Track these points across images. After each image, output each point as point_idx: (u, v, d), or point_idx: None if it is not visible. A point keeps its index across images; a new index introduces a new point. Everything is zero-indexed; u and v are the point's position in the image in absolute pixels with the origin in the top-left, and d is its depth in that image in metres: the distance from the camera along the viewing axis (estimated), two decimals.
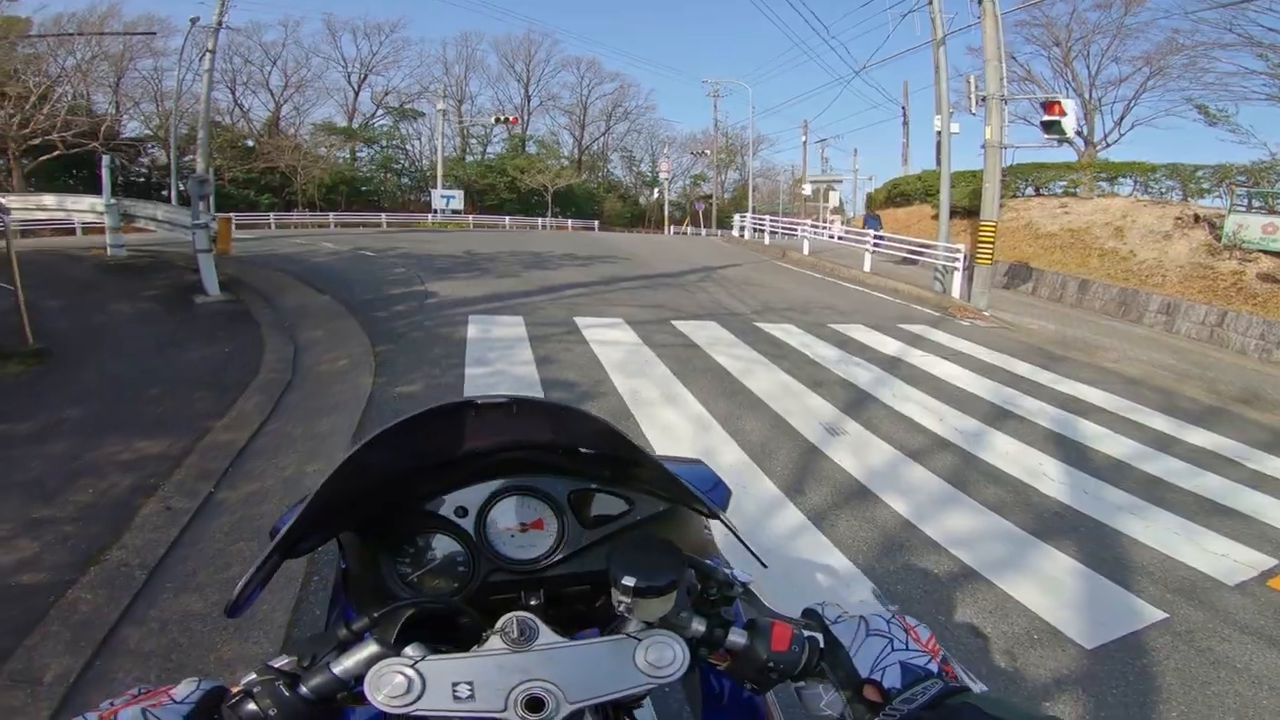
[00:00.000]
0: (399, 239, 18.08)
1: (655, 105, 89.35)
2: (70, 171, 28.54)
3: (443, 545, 0.82)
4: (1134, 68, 23.50)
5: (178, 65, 23.91)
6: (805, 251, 17.22)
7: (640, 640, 0.63)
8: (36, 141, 24.99)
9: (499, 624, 0.63)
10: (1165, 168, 16.67)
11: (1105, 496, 4.05)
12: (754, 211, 28.24)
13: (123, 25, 29.28)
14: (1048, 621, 2.72)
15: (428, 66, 54.51)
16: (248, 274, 9.54)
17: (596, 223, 42.63)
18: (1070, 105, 11.23)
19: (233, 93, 39.07)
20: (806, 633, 0.70)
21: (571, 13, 74.67)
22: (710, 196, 47.18)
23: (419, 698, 0.58)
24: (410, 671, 0.58)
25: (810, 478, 3.92)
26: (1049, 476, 4.26)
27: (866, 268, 14.52)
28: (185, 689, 0.60)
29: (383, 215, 33.34)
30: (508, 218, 37.52)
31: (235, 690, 0.61)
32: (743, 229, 23.37)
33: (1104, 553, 3.36)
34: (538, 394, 4.20)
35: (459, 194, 36.52)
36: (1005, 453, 4.60)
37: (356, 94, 45.49)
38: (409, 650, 0.61)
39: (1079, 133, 22.02)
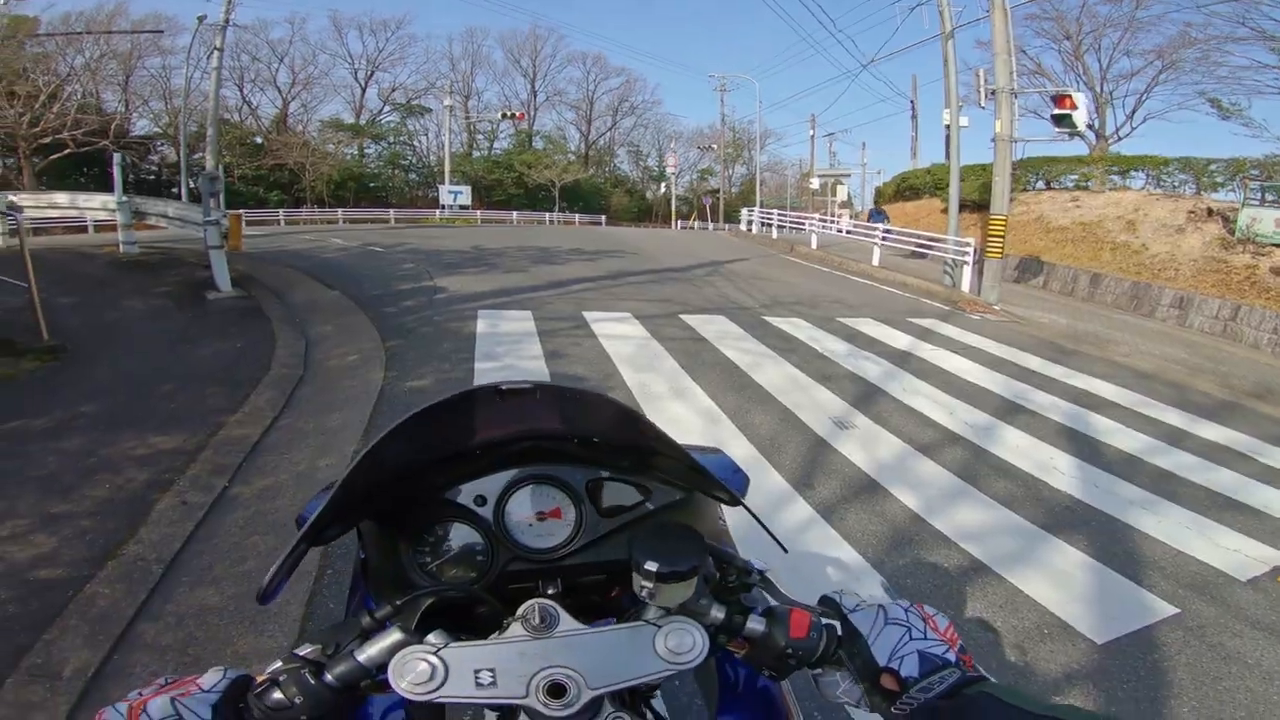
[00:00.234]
0: (407, 235, 18.13)
1: (662, 100, 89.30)
2: (81, 170, 28.74)
3: (461, 534, 0.83)
4: (1146, 61, 23.33)
5: (186, 63, 23.95)
6: (813, 246, 17.16)
7: (660, 627, 0.64)
8: (47, 140, 25.19)
9: (520, 611, 0.64)
10: (1178, 161, 16.50)
11: (1117, 491, 4.03)
12: (761, 206, 28.13)
13: (130, 24, 29.46)
14: (1058, 616, 2.71)
15: (434, 62, 54.98)
16: (258, 270, 9.60)
17: (603, 217, 42.54)
18: (1082, 99, 11.16)
19: (241, 90, 39.19)
20: (824, 620, 0.70)
21: (577, 8, 74.56)
22: (717, 191, 47.06)
23: (442, 685, 0.59)
24: (433, 659, 0.59)
25: (820, 471, 3.92)
26: (1060, 471, 4.24)
27: (875, 262, 14.45)
28: (212, 678, 0.60)
29: (391, 211, 33.38)
30: (515, 213, 37.50)
31: (261, 679, 0.62)
32: (750, 223, 23.31)
33: (1115, 547, 3.34)
34: None
35: (466, 190, 36.58)
36: (1016, 447, 4.59)
37: (363, 90, 45.58)
38: (431, 638, 0.62)
39: (1090, 126, 21.87)
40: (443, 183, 36.97)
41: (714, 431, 4.39)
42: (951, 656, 0.65)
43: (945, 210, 14.41)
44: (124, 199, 10.50)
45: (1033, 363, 7.15)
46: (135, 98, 33.83)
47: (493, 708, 0.70)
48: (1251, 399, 6.97)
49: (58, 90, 26.00)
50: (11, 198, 11.75)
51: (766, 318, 8.05)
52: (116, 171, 10.77)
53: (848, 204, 29.06)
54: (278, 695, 0.60)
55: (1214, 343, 10.45)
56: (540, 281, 9.68)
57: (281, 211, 30.20)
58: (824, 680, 0.71)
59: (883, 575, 2.90)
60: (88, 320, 6.45)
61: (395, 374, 5.07)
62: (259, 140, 37.83)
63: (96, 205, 11.79)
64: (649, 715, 0.74)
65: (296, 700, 0.60)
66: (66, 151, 25.69)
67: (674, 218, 43.18)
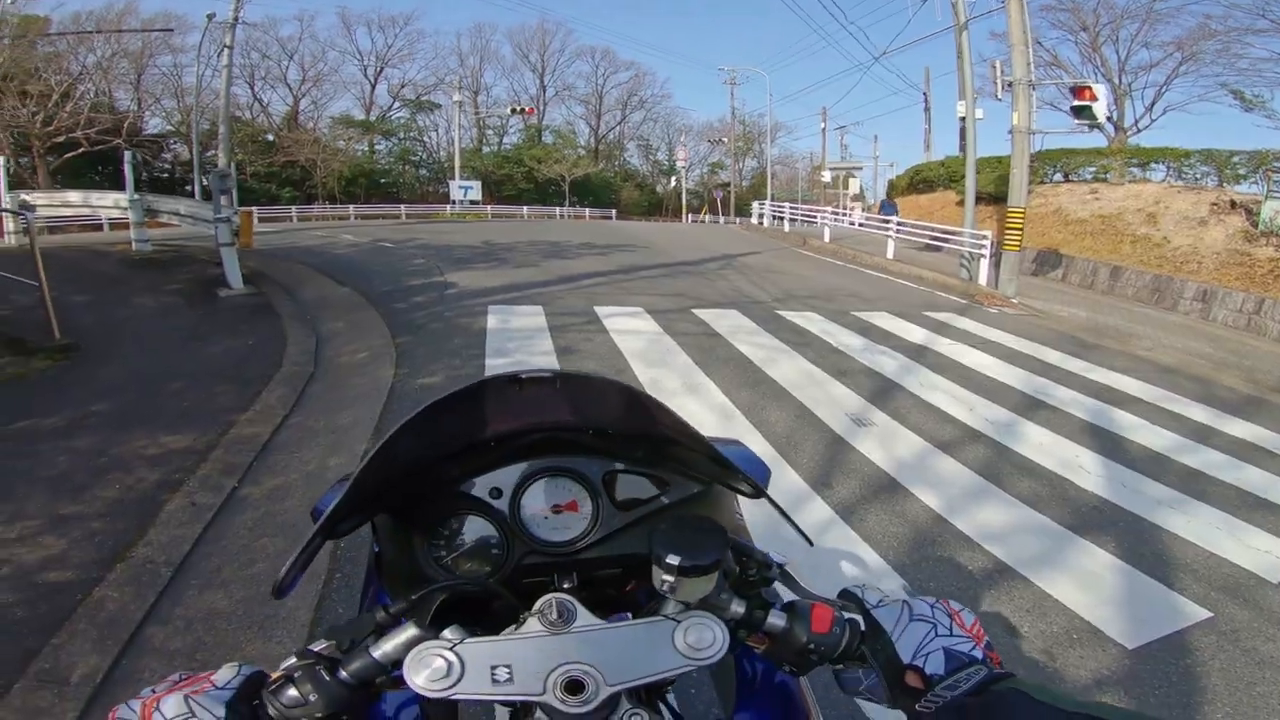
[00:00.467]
0: (418, 230, 18.15)
1: (671, 94, 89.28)
2: (95, 168, 29.01)
3: (476, 527, 0.82)
4: (1165, 53, 22.96)
5: (196, 61, 24.00)
6: (826, 239, 17.02)
7: (679, 622, 0.62)
8: (60, 139, 25.44)
9: (537, 606, 0.62)
10: (1199, 153, 16.20)
11: (1144, 490, 3.92)
12: (773, 199, 27.96)
13: (140, 22, 29.69)
14: (1087, 620, 2.63)
15: (443, 58, 54.94)
16: (270, 267, 9.61)
17: (614, 212, 42.51)
18: (1101, 90, 10.97)
19: (251, 88, 39.49)
20: (846, 615, 0.68)
21: (584, 2, 74.27)
22: (728, 184, 46.89)
23: (458, 681, 0.57)
24: (449, 654, 0.58)
25: (837, 470, 3.84)
26: (1085, 469, 4.13)
27: (889, 255, 14.31)
28: (226, 674, 0.60)
29: (402, 207, 33.55)
30: (525, 208, 37.56)
31: (275, 675, 0.61)
32: (761, 216, 23.18)
33: (1144, 549, 3.25)
34: None
35: (476, 185, 36.67)
36: (1038, 444, 4.48)
37: (373, 87, 45.84)
38: (447, 633, 0.61)
39: (1109, 118, 21.53)
40: (453, 178, 37.07)
41: (728, 428, 4.31)
42: (978, 653, 0.64)
43: (960, 203, 14.27)
44: (136, 197, 10.53)
45: (1053, 357, 7.02)
46: (147, 96, 34.21)
47: (508, 704, 0.68)
48: (1278, 394, 6.82)
49: (70, 89, 26.23)
50: (24, 197, 11.83)
51: (780, 312, 7.95)
52: (128, 169, 10.80)
53: (860, 197, 28.75)
54: (292, 692, 0.59)
55: (1238, 336, 10.25)
56: (551, 276, 9.63)
57: (294, 208, 30.45)
58: (846, 676, 0.69)
59: (905, 579, 2.82)
60: (99, 318, 6.47)
61: (406, 371, 5.04)
62: (270, 137, 38.10)
63: (109, 203, 11.86)
64: (664, 711, 0.74)
65: (311, 697, 0.59)
66: (81, 150, 25.93)
67: (684, 211, 43.06)
